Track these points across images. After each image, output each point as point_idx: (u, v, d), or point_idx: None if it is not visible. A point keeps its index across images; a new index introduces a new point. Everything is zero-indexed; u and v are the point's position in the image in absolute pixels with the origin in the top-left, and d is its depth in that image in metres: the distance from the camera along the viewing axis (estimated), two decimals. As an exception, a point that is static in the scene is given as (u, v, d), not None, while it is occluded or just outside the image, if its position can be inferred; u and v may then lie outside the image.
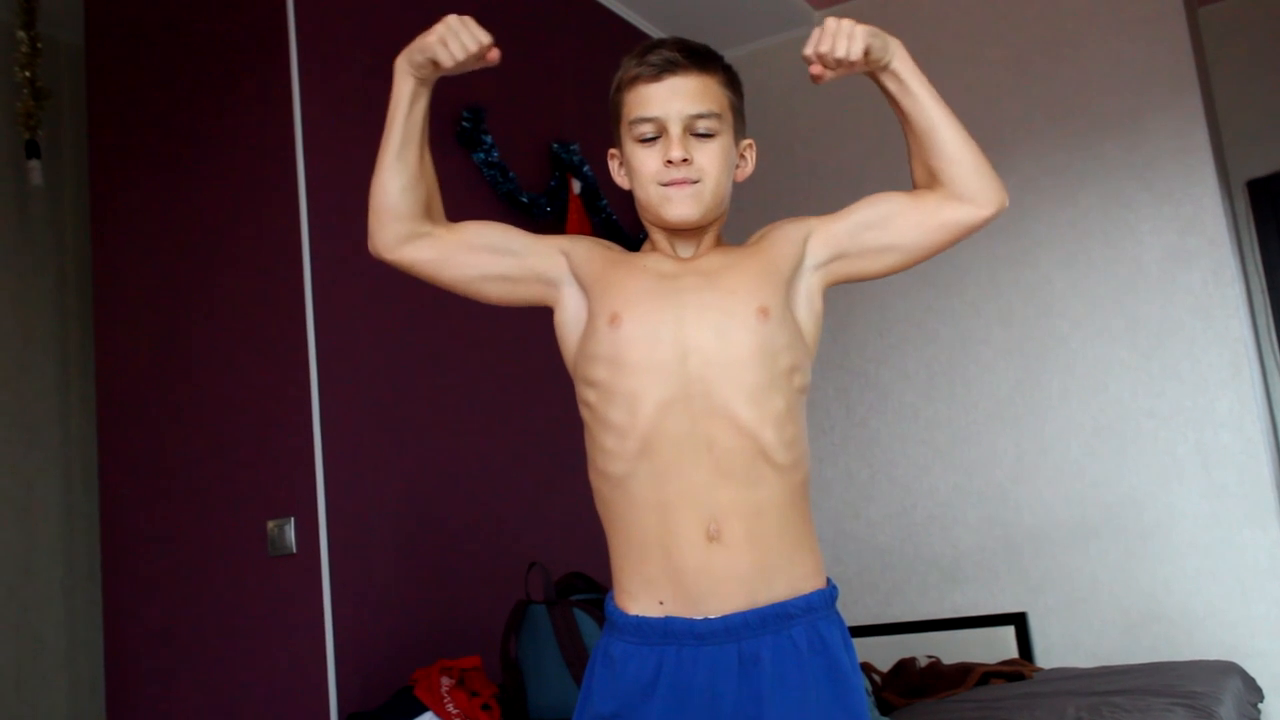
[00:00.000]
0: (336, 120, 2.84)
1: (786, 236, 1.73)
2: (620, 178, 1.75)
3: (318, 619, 2.57)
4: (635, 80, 1.67)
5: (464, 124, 3.15)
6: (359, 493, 2.71)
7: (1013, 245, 3.95)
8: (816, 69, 1.67)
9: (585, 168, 3.53)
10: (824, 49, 1.63)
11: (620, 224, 3.64)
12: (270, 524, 2.65)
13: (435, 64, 1.63)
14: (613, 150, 1.76)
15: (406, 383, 2.89)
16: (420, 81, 1.65)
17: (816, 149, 4.25)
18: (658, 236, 1.72)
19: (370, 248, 1.70)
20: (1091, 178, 3.87)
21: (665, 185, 1.65)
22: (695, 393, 1.59)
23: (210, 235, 2.87)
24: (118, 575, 2.88)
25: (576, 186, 3.52)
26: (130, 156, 3.04)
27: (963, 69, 4.07)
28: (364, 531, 2.70)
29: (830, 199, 4.14)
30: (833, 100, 4.23)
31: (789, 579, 1.61)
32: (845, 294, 4.18)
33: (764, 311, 1.62)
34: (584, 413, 1.69)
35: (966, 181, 1.70)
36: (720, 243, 1.75)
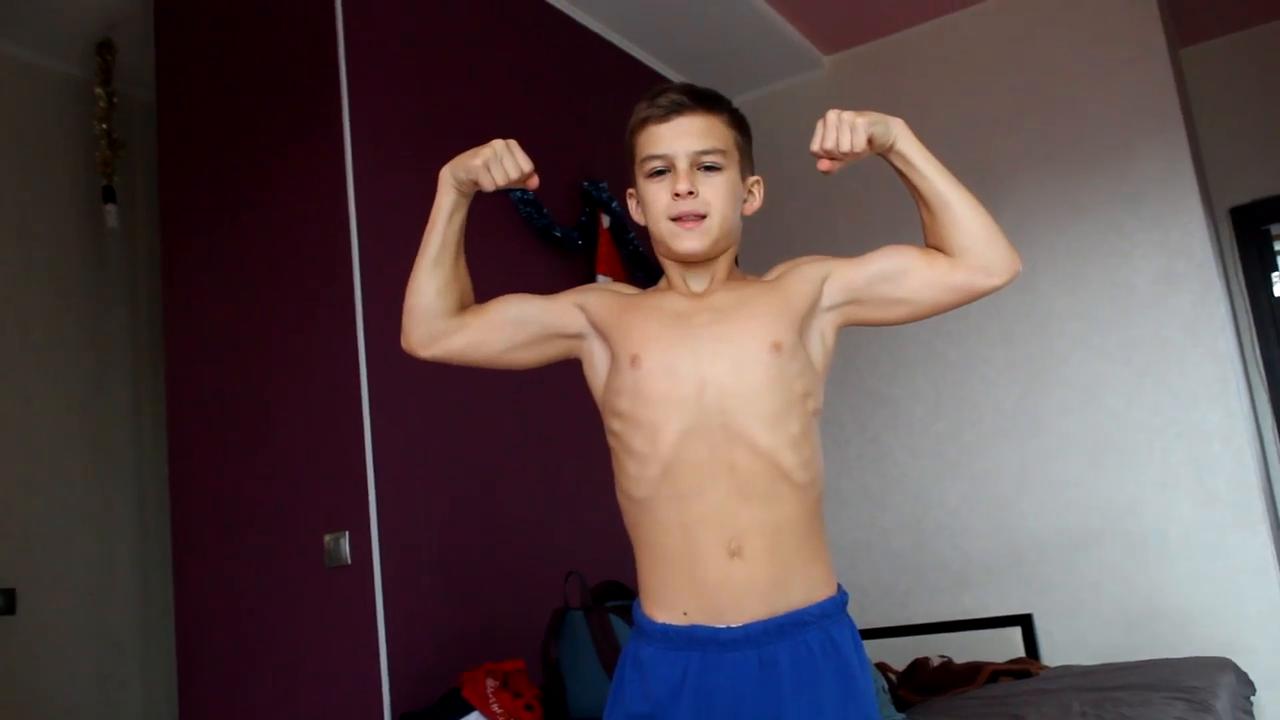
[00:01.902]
0: (385, 172, 2.85)
1: (804, 276, 1.71)
2: (636, 215, 1.75)
3: (371, 625, 2.57)
4: (646, 122, 1.68)
5: (502, 166, 3.16)
6: (408, 508, 2.71)
7: (1013, 270, 3.92)
8: (825, 163, 1.66)
9: (614, 203, 3.54)
10: (829, 145, 1.62)
11: (646, 255, 3.64)
12: (327, 537, 2.65)
13: (476, 184, 1.65)
14: (630, 190, 1.76)
15: (452, 406, 2.89)
16: (461, 195, 1.67)
17: (825, 182, 4.24)
18: (672, 271, 1.72)
19: (404, 344, 1.71)
20: (1086, 206, 3.85)
21: (674, 221, 1.65)
22: (714, 422, 1.59)
23: (269, 272, 2.88)
24: (188, 586, 2.89)
25: (606, 221, 3.53)
26: (197, 204, 3.06)
27: (965, 106, 4.07)
28: (413, 544, 2.70)
29: (839, 229, 4.18)
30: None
31: (804, 588, 1.60)
32: (857, 318, 4.17)
33: (776, 346, 1.61)
34: (610, 441, 1.69)
35: (979, 252, 1.65)
36: (733, 274, 1.74)
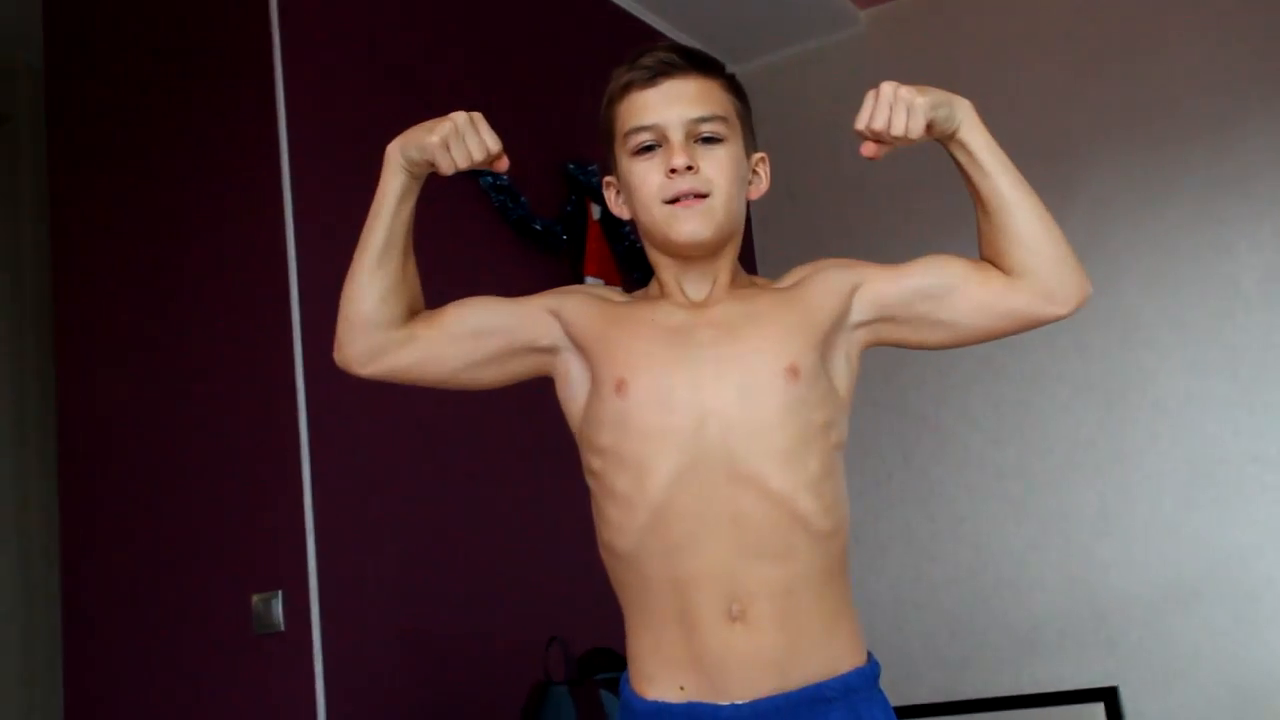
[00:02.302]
0: (327, 153, 2.86)
1: (829, 286, 1.70)
2: (619, 207, 1.75)
3: (309, 704, 2.56)
4: (628, 88, 1.68)
5: (468, 144, 3.16)
6: (355, 562, 2.70)
7: (1090, 268, 3.83)
8: (870, 147, 1.65)
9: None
10: (878, 125, 1.60)
11: (643, 252, 3.63)
12: (255, 598, 2.64)
13: (432, 165, 1.63)
14: (609, 178, 1.75)
15: (407, 440, 2.89)
16: (412, 178, 1.66)
17: (864, 165, 4.22)
18: (665, 272, 1.71)
19: (338, 359, 1.70)
20: (1178, 189, 3.85)
21: (671, 203, 1.64)
22: (715, 461, 1.58)
23: (188, 272, 2.88)
24: (81, 661, 2.87)
25: (596, 212, 3.53)
26: (96, 190, 3.07)
27: (1028, 71, 4.08)
28: (361, 605, 2.69)
29: (880, 218, 4.18)
30: (882, 109, 4.23)
31: (824, 657, 1.60)
32: (901, 327, 4.16)
33: (793, 370, 1.61)
34: (589, 482, 1.68)
35: (1042, 274, 1.66)
36: (739, 277, 1.74)
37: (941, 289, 1.69)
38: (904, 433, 4.16)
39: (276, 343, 2.72)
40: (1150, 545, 3.77)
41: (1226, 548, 3.67)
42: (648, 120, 1.65)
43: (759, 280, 1.79)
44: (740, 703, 1.56)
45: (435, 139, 1.61)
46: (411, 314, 1.70)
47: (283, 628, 2.60)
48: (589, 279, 3.37)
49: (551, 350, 1.72)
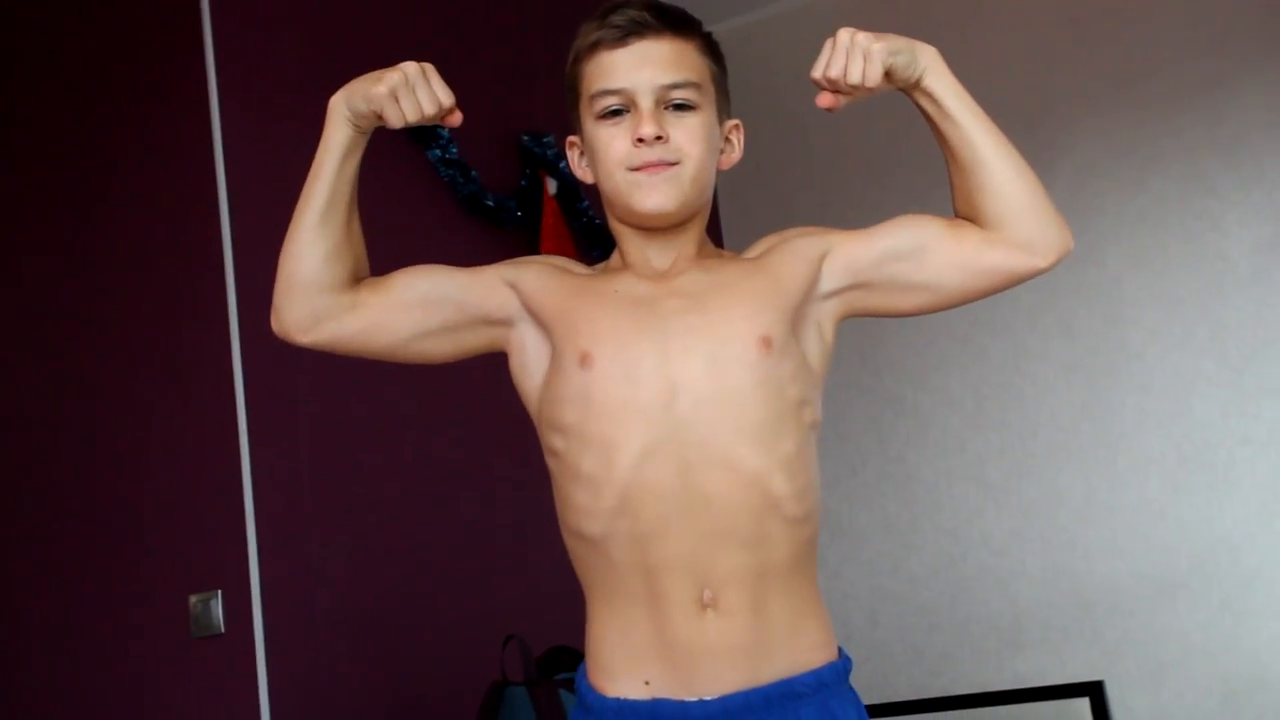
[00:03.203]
0: (262, 121, 2.85)
1: (797, 253, 1.70)
2: (581, 170, 1.74)
3: (252, 711, 2.54)
4: (596, 47, 1.67)
5: (416, 114, 3.15)
6: (299, 560, 2.69)
7: (1074, 242, 3.94)
8: (826, 97, 1.64)
9: (562, 164, 3.53)
10: (834, 73, 1.60)
11: (605, 228, 3.63)
12: (193, 599, 2.62)
13: (380, 118, 1.61)
14: (571, 138, 1.75)
15: (353, 431, 2.88)
16: (359, 132, 1.64)
17: (836, 135, 4.25)
18: (628, 242, 1.71)
19: (276, 326, 1.69)
20: (1166, 159, 3.87)
21: (636, 170, 1.63)
22: (687, 439, 1.58)
23: (111, 250, 2.86)
24: (8, 668, 2.85)
25: (552, 186, 3.52)
26: (12, 166, 3.04)
27: (1007, 33, 4.09)
28: (306, 606, 2.68)
29: (853, 195, 4.19)
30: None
31: (794, 651, 1.61)
32: (876, 305, 4.17)
33: (765, 342, 1.60)
34: (550, 463, 1.68)
35: (1019, 224, 1.67)
36: (705, 248, 1.73)
37: (914, 249, 1.69)
38: (880, 416, 4.16)
39: (212, 330, 2.70)
40: (1137, 532, 3.79)
41: (1216, 534, 3.69)
42: (615, 84, 1.64)
43: (725, 252, 1.79)
44: (709, 698, 1.57)
45: (383, 89, 1.60)
46: (356, 279, 1.69)
47: (223, 630, 2.59)
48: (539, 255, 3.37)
49: (507, 323, 1.71)
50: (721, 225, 4.16)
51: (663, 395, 1.58)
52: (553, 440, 1.66)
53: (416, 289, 1.70)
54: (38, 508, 2.88)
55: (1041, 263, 1.69)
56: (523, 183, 3.47)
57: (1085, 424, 3.89)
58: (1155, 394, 3.81)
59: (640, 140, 1.62)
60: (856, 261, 1.70)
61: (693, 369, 1.59)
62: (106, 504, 2.78)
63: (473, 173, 3.25)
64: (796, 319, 1.66)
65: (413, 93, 1.61)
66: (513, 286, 1.71)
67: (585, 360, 1.61)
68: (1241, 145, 3.78)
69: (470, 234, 3.30)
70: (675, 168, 1.63)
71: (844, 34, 1.60)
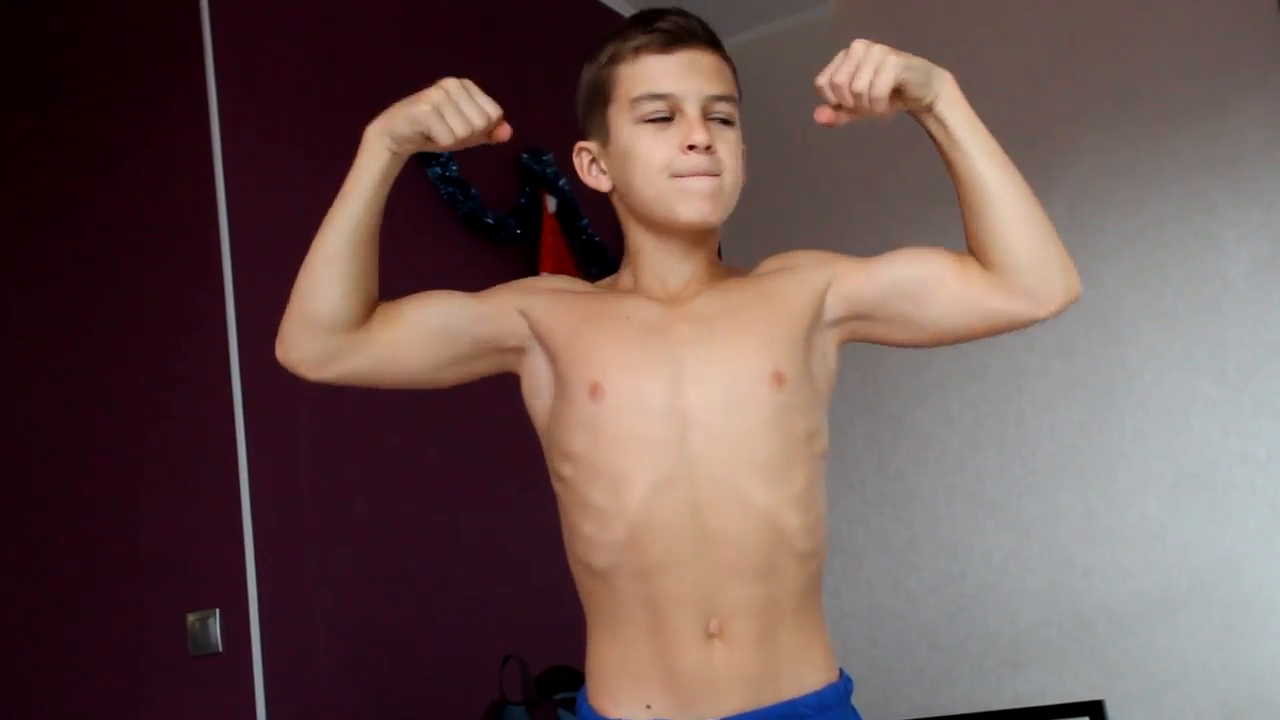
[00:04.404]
0: (262, 145, 2.85)
1: (803, 283, 1.68)
2: (593, 177, 1.71)
3: (250, 731, 2.55)
4: (641, 50, 1.63)
5: (415, 132, 3.15)
6: (297, 579, 2.68)
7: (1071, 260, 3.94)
8: (826, 113, 1.60)
9: (561, 181, 3.53)
10: (840, 79, 1.55)
11: (604, 246, 3.63)
12: (191, 617, 2.62)
13: (428, 139, 1.58)
14: (584, 144, 1.72)
15: (352, 450, 2.87)
16: (398, 158, 1.61)
17: (836, 152, 4.25)
18: (646, 257, 1.69)
19: (284, 360, 1.65)
20: (1165, 178, 3.87)
21: (680, 177, 1.61)
22: (698, 474, 1.57)
23: (110, 265, 2.86)
24: (7, 686, 2.85)
25: (551, 204, 3.52)
26: (11, 180, 3.04)
27: (1006, 53, 4.09)
28: (304, 625, 2.67)
29: (852, 212, 4.18)
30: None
31: (798, 674, 1.60)
32: (875, 323, 4.17)
33: (778, 378, 1.59)
34: (558, 488, 1.66)
35: (1025, 272, 1.61)
36: (714, 267, 1.72)
37: (919, 286, 1.66)
38: (879, 435, 4.16)
39: (211, 348, 2.70)
40: (1136, 551, 3.78)
41: (1216, 553, 3.68)
42: (664, 88, 1.62)
43: (731, 269, 1.77)
44: None
45: (426, 107, 1.56)
46: (369, 311, 1.65)
47: (220, 649, 2.58)
48: (545, 275, 3.36)
49: (519, 350, 1.69)
50: (720, 241, 4.14)
51: (675, 429, 1.57)
52: (560, 466, 1.64)
53: (428, 322, 1.67)
54: (35, 526, 2.87)
55: (1042, 311, 1.63)
56: (522, 200, 3.47)
57: (1084, 443, 3.89)
58: (1154, 413, 3.81)
59: (691, 147, 1.60)
60: (859, 293, 1.68)
61: (705, 404, 1.58)
62: (105, 522, 2.78)
63: (472, 190, 3.25)
64: (806, 349, 1.65)
65: (458, 108, 1.57)
66: (524, 314, 1.68)
67: (595, 391, 1.59)
68: (1239, 164, 3.78)
69: (470, 251, 3.30)
70: (718, 179, 1.62)
71: (859, 44, 1.56)
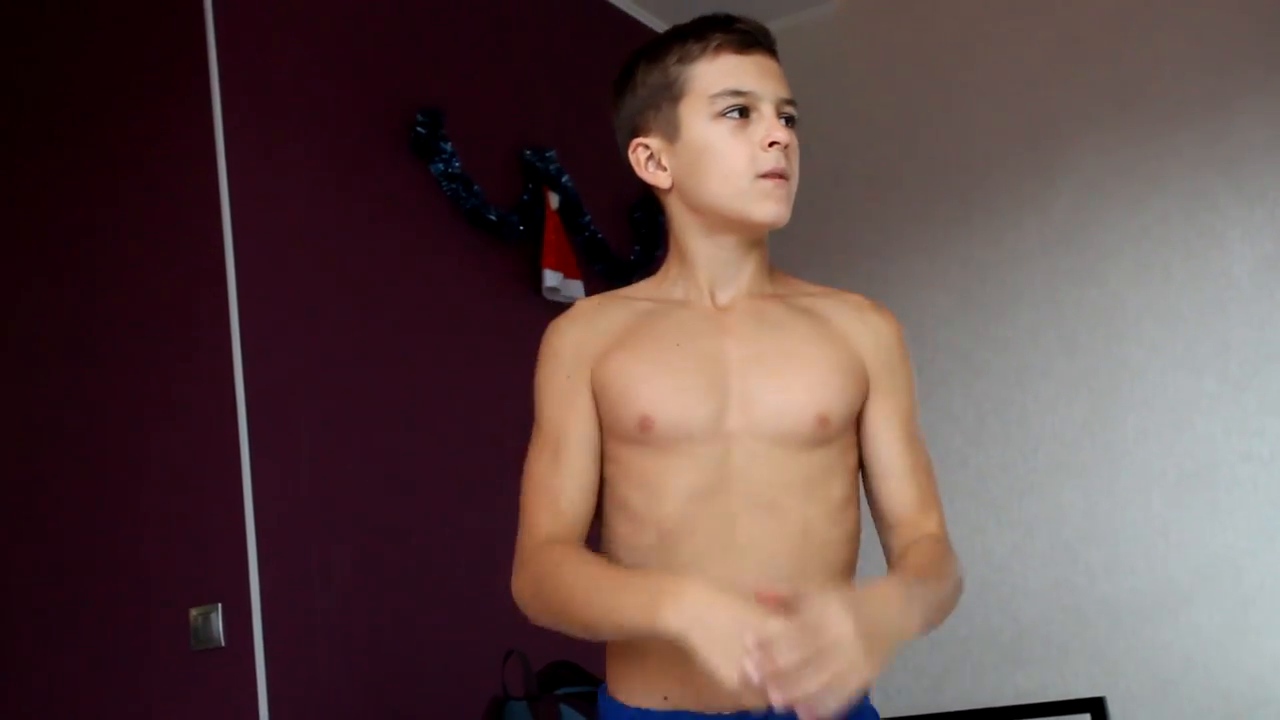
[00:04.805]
0: (266, 136, 2.85)
1: (883, 358, 1.72)
2: (650, 174, 1.70)
3: (252, 726, 2.55)
4: (721, 49, 1.65)
5: (419, 129, 3.15)
6: (300, 573, 2.69)
7: (1075, 260, 3.95)
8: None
9: (564, 178, 3.53)
10: (794, 686, 1.33)
11: (606, 242, 3.63)
12: (193, 612, 2.63)
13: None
14: (641, 140, 1.70)
15: (354, 444, 2.87)
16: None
17: (837, 148, 4.24)
18: (702, 262, 1.69)
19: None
20: (1168, 176, 3.87)
21: (763, 177, 1.62)
22: (735, 487, 1.58)
23: (110, 263, 2.87)
24: (9, 681, 2.85)
25: (554, 201, 3.51)
26: (14, 177, 3.04)
27: (1009, 50, 4.09)
28: (306, 619, 2.68)
29: (852, 208, 4.17)
30: (859, 92, 4.25)
31: None
32: (878, 321, 4.16)
33: (822, 421, 1.61)
34: (602, 488, 1.68)
35: None
36: (764, 273, 1.72)
37: (881, 476, 1.73)
38: (881, 432, 4.15)
39: (215, 344, 2.71)
40: (1139, 549, 3.78)
41: (1218, 551, 3.68)
42: (746, 86, 1.64)
43: (782, 278, 1.77)
44: (727, 713, 1.57)
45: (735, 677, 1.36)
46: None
47: (223, 643, 2.59)
48: (547, 272, 3.36)
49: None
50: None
51: (718, 448, 1.59)
52: (606, 467, 1.66)
53: (588, 483, 1.66)
54: (38, 521, 2.88)
55: None
56: (525, 197, 3.46)
57: (1087, 441, 3.89)
58: (1157, 411, 3.81)
59: (773, 144, 1.62)
60: (866, 423, 1.71)
61: (750, 430, 1.60)
62: (107, 517, 2.78)
63: (475, 187, 3.25)
64: (852, 393, 1.66)
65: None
66: (586, 389, 1.66)
67: (645, 424, 1.60)
68: (1243, 162, 3.78)
69: (472, 248, 3.30)
70: (788, 183, 1.65)
71: (843, 644, 1.35)
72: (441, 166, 3.19)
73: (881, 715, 4.00)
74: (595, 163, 3.39)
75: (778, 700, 1.32)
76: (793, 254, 4.31)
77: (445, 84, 3.31)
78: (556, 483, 1.64)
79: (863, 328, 1.72)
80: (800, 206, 4.84)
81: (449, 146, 3.20)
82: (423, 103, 3.19)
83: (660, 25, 4.11)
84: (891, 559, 1.72)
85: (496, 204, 3.36)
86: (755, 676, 1.33)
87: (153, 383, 2.79)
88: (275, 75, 2.92)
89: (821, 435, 1.61)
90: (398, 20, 3.28)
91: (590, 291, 3.25)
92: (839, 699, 1.33)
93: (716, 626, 1.36)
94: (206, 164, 2.76)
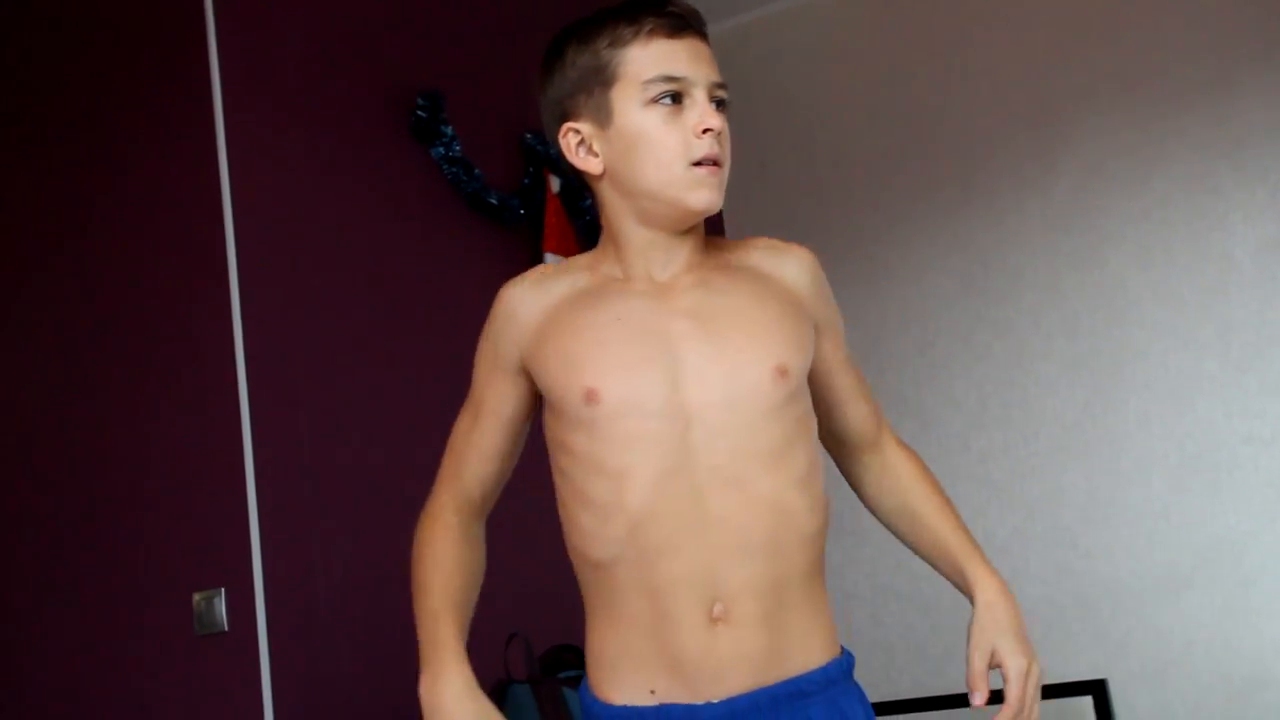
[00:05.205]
0: (267, 126, 2.85)
1: (819, 298, 1.74)
2: (581, 159, 1.68)
3: (255, 710, 2.55)
4: (653, 33, 1.62)
5: (419, 113, 3.15)
6: (302, 557, 2.69)
7: (1077, 241, 3.96)
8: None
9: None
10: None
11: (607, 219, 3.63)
12: (196, 597, 2.63)
13: None
14: (573, 124, 1.68)
15: (356, 426, 2.88)
16: None
17: (838, 131, 4.24)
18: (636, 247, 1.67)
19: None
20: (1170, 158, 3.88)
21: (697, 165, 1.60)
22: (699, 464, 1.57)
23: (121, 273, 2.86)
24: (11, 666, 2.85)
25: (555, 184, 3.52)
26: (14, 169, 3.04)
27: (1011, 32, 4.09)
28: (309, 603, 2.68)
29: (853, 186, 4.18)
30: (860, 75, 4.24)
31: (803, 651, 1.61)
32: (878, 304, 4.18)
33: (781, 371, 1.60)
34: (557, 479, 1.67)
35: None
36: (700, 251, 1.71)
37: (839, 403, 1.82)
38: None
39: (215, 329, 2.70)
40: (1140, 531, 3.79)
41: (1219, 533, 3.70)
42: (678, 71, 1.61)
43: (716, 246, 1.75)
44: (715, 701, 1.56)
45: None
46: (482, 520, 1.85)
47: (226, 628, 2.59)
48: (549, 255, 3.35)
49: (529, 387, 1.73)
50: (724, 220, 4.17)
51: (676, 426, 1.58)
52: (559, 458, 1.65)
53: (495, 461, 1.81)
54: (41, 506, 2.88)
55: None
56: (526, 181, 3.46)
57: (1088, 423, 3.90)
58: (1159, 393, 3.82)
59: (706, 131, 1.59)
60: (820, 359, 1.74)
61: (707, 399, 1.58)
62: (110, 502, 2.78)
63: (476, 171, 3.25)
64: (805, 341, 1.67)
65: None
66: (517, 372, 1.71)
67: (591, 396, 1.59)
68: (1245, 145, 3.79)
69: (473, 232, 3.30)
70: (721, 170, 1.63)
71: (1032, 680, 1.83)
72: (442, 150, 3.19)
73: (884, 697, 4.02)
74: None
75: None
76: (793, 239, 4.32)
77: (445, 67, 3.31)
78: (466, 450, 1.79)
79: (793, 269, 1.72)
80: (800, 183, 4.85)
81: (450, 130, 3.19)
82: (423, 86, 3.18)
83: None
84: (869, 479, 1.85)
85: (497, 187, 3.36)
86: None
87: (155, 370, 2.79)
88: (275, 59, 2.91)
89: (784, 390, 1.59)
90: (398, 3, 3.28)
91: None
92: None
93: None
94: (207, 150, 2.76)
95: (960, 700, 3.82)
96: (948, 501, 1.88)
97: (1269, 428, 3.68)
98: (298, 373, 2.79)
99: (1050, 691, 3.72)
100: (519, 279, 1.73)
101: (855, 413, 1.83)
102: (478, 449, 1.77)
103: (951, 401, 4.09)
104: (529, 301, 1.70)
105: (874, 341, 4.16)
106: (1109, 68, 3.97)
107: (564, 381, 1.61)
